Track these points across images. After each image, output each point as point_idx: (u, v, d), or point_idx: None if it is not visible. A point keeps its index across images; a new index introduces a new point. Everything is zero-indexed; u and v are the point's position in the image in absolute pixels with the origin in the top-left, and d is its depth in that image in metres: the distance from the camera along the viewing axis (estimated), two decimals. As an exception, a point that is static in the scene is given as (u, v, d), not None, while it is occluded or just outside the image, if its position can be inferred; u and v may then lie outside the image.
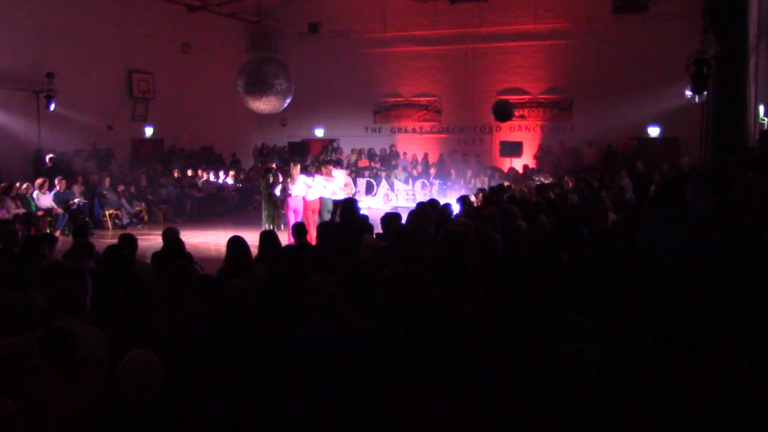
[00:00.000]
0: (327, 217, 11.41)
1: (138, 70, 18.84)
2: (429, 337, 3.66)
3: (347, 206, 8.21)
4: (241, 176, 19.50)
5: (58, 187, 14.03)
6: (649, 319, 3.60)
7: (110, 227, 14.59)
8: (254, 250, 6.03)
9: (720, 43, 11.07)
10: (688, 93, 14.30)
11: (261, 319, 3.99)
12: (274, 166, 13.88)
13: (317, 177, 11.87)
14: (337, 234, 6.67)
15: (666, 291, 3.86)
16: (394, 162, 20.78)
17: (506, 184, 13.07)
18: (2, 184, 13.04)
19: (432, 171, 19.95)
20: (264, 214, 12.59)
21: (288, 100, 12.92)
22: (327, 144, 22.34)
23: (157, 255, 6.10)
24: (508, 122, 18.34)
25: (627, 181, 13.28)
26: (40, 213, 13.27)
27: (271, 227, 11.84)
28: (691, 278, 3.84)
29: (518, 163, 19.33)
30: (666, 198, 4.34)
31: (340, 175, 12.34)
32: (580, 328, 3.55)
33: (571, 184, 12.19)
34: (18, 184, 13.31)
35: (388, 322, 3.76)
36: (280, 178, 12.48)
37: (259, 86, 12.40)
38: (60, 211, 13.65)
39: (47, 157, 15.32)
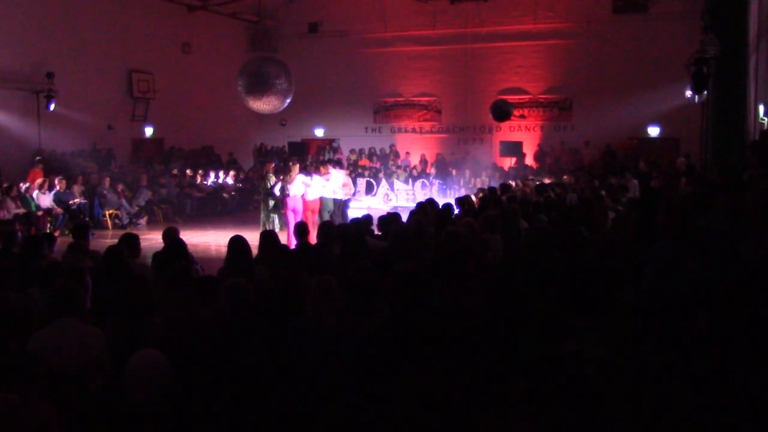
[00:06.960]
0: (327, 217, 11.40)
1: (138, 70, 18.85)
2: (429, 337, 3.66)
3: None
4: (241, 176, 19.49)
5: (58, 187, 14.02)
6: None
7: (110, 227, 14.59)
8: (254, 250, 6.02)
9: (720, 43, 11.07)
10: (688, 93, 14.32)
11: (261, 318, 3.99)
12: (272, 166, 13.82)
13: (315, 176, 11.84)
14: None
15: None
16: (394, 161, 20.77)
17: (512, 183, 13.03)
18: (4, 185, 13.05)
19: (432, 171, 19.95)
20: (263, 214, 12.58)
21: (288, 100, 12.88)
22: (326, 144, 22.34)
23: (157, 255, 6.09)
24: (508, 122, 18.35)
25: (635, 182, 13.24)
26: (40, 213, 13.27)
27: (271, 227, 11.82)
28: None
29: (518, 163, 19.35)
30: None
31: (339, 175, 12.32)
32: (580, 328, 3.55)
33: (571, 184, 12.20)
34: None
35: (402, 315, 3.74)
36: (279, 177, 12.43)
37: (260, 86, 12.36)
38: (60, 211, 13.65)
39: (36, 159, 15.25)
